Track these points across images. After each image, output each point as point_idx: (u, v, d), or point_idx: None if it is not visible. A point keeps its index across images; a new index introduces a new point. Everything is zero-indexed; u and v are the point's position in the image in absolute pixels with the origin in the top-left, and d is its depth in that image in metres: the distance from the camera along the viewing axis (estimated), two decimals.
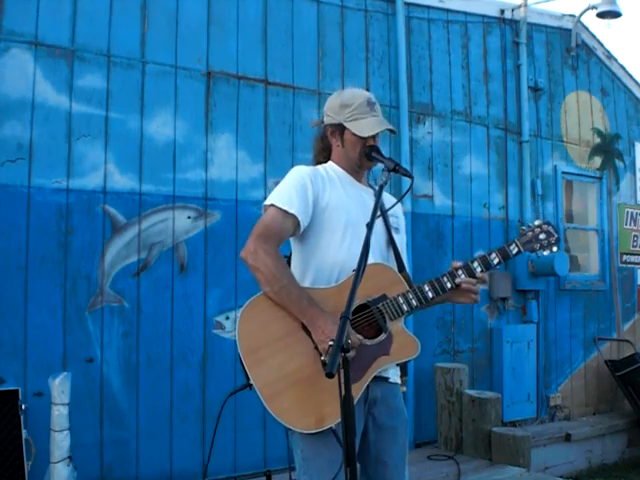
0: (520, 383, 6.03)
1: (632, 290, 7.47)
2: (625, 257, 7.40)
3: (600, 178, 7.17)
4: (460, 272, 2.23)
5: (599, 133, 7.24)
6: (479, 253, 2.31)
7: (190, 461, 4.33)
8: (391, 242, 2.32)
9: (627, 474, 6.04)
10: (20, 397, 3.74)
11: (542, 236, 2.32)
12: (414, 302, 2.18)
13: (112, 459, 4.08)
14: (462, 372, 5.23)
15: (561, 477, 5.27)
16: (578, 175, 7.00)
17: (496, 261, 2.27)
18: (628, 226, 7.49)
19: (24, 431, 3.71)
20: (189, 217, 4.48)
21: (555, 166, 6.73)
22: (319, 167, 2.34)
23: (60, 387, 3.64)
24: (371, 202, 2.24)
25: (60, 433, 3.63)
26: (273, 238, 2.12)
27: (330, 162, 2.36)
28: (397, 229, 2.37)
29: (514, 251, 2.29)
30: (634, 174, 7.66)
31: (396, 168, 2.18)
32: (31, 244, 3.92)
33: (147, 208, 4.33)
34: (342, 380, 1.69)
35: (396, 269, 2.28)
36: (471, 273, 2.23)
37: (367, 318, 2.14)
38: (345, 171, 2.33)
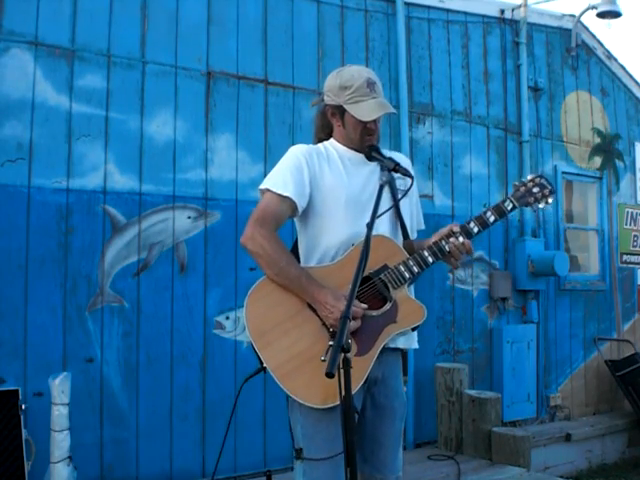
0: (520, 383, 6.03)
1: (632, 290, 7.46)
2: (625, 257, 7.40)
3: (600, 178, 7.17)
4: (458, 234, 2.23)
5: (599, 133, 7.24)
6: (475, 215, 2.31)
7: (190, 461, 4.33)
8: (397, 212, 2.30)
9: (627, 474, 6.04)
10: (20, 397, 3.73)
11: (535, 189, 2.32)
12: (415, 268, 2.18)
13: (112, 459, 4.08)
14: (462, 372, 5.23)
15: (561, 477, 5.26)
16: (578, 175, 7.00)
17: (492, 219, 2.27)
18: (628, 226, 7.49)
19: (24, 431, 3.70)
20: (189, 217, 4.48)
21: (555, 166, 6.73)
22: (319, 145, 2.33)
23: (60, 387, 3.64)
24: (375, 174, 2.26)
25: (60, 433, 3.63)
26: (270, 222, 2.13)
27: (331, 139, 2.35)
28: (405, 191, 2.32)
29: (509, 207, 2.29)
30: (634, 174, 7.66)
31: (396, 168, 2.19)
32: (31, 244, 3.92)
33: (147, 208, 4.33)
34: (342, 380, 1.70)
35: (400, 241, 2.28)
36: (469, 234, 2.24)
37: (371, 290, 2.15)
38: (346, 147, 2.31)
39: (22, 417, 3.71)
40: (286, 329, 2.08)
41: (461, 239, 2.22)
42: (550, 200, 2.32)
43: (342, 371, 1.70)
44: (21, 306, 3.87)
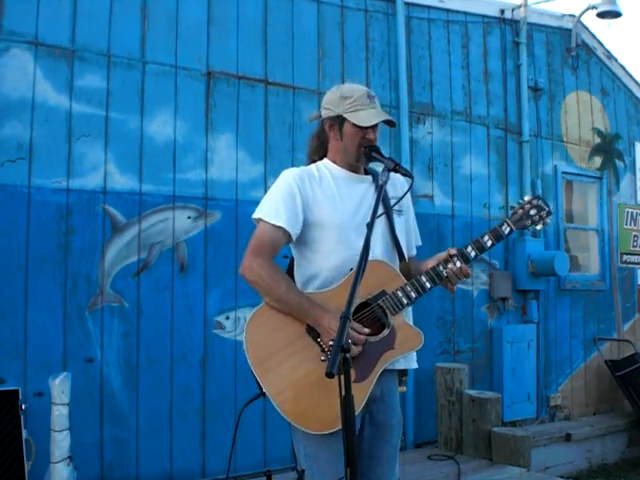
0: (520, 383, 6.03)
1: (632, 290, 7.46)
2: (625, 257, 7.40)
3: (600, 178, 7.17)
4: (455, 259, 2.24)
5: (599, 133, 7.24)
6: (473, 239, 2.32)
7: (190, 461, 4.33)
8: (392, 233, 2.30)
9: (627, 474, 6.04)
10: (20, 397, 3.73)
11: (533, 212, 2.33)
12: (413, 294, 2.19)
13: (112, 459, 4.08)
14: (462, 372, 5.23)
15: (561, 477, 5.26)
16: (578, 175, 7.00)
17: (489, 243, 2.29)
18: (628, 226, 7.49)
19: (24, 431, 3.70)
20: (189, 217, 4.48)
21: (555, 166, 6.73)
22: (312, 166, 2.33)
23: (60, 387, 3.64)
24: (369, 192, 2.26)
25: (60, 433, 3.63)
26: (266, 251, 2.16)
27: (325, 159, 2.34)
28: (400, 211, 2.35)
29: (506, 231, 2.31)
30: (634, 174, 7.66)
31: (396, 168, 2.18)
32: (31, 244, 3.92)
33: (147, 208, 4.33)
34: (342, 380, 1.69)
35: (396, 263, 2.28)
36: (466, 258, 2.25)
37: (369, 315, 2.15)
38: (340, 167, 2.31)
39: (22, 417, 3.71)
40: (285, 355, 2.09)
41: (458, 264, 2.23)
42: (548, 221, 2.33)
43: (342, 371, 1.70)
44: (21, 306, 3.87)
